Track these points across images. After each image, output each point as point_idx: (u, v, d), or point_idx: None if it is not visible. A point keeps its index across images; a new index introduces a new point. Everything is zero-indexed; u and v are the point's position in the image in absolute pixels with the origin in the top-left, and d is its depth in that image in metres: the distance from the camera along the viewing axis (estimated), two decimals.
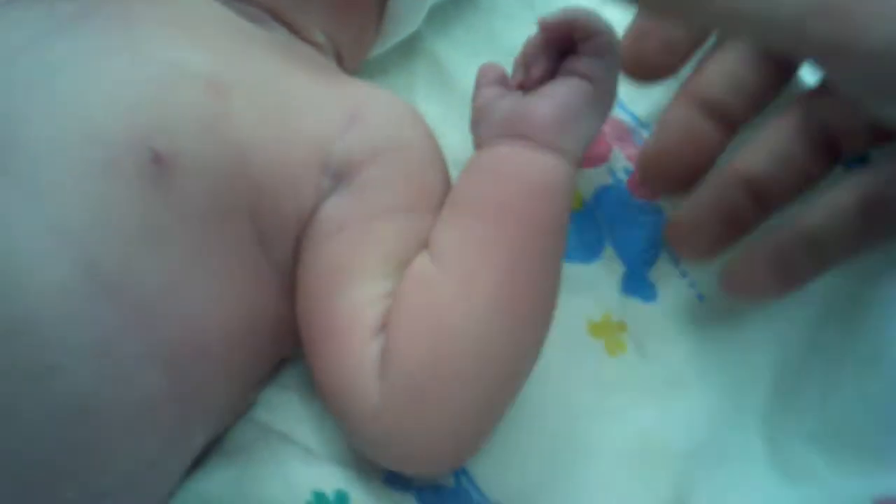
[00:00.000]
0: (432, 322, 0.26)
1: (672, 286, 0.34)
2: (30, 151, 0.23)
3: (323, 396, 0.29)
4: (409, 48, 0.38)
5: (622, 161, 0.36)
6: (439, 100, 0.37)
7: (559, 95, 0.29)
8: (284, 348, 0.30)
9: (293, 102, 0.28)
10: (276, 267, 0.28)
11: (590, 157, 0.35)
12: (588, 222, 0.35)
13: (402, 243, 0.28)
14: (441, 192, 0.30)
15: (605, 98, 0.30)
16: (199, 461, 0.29)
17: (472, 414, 0.27)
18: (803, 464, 0.30)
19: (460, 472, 0.30)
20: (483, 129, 0.30)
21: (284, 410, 0.30)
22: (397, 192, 0.29)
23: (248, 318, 0.27)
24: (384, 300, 0.27)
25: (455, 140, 0.33)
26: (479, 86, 0.31)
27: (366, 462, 0.29)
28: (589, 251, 0.34)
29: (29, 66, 0.25)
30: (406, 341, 0.26)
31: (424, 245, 0.28)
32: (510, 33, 0.35)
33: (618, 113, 0.36)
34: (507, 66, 0.32)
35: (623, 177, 0.35)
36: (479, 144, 0.30)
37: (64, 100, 0.24)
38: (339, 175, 0.28)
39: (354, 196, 0.28)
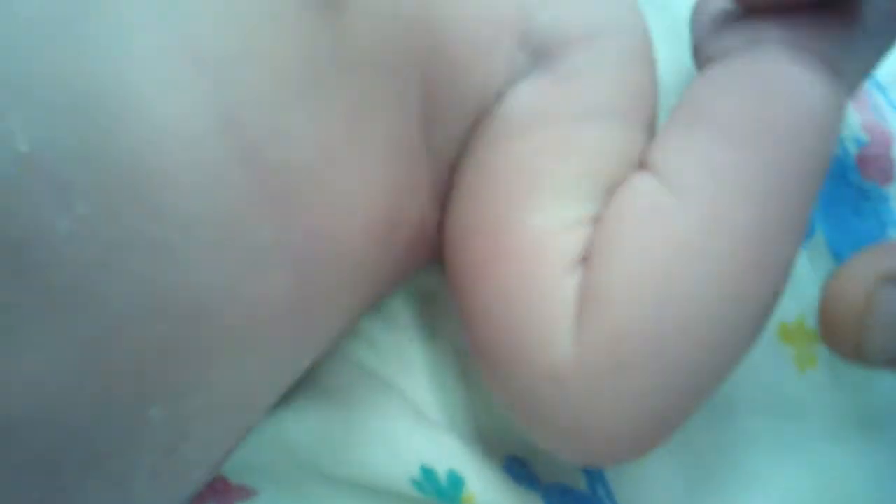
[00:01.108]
0: (665, 265, 0.19)
1: None
2: None
3: (478, 334, 0.21)
4: None
5: (855, 129, 0.28)
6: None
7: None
8: (415, 263, 0.24)
9: None
10: (435, 156, 0.22)
11: None
12: None
13: (611, 157, 0.21)
14: (653, 102, 0.23)
15: (889, 23, 0.22)
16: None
17: (682, 395, 0.20)
18: None
19: (596, 478, 0.24)
20: (720, 38, 0.23)
21: (395, 354, 0.24)
22: (610, 90, 0.22)
23: (390, 215, 0.21)
24: (585, 226, 0.21)
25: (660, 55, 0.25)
26: None
27: (489, 442, 0.23)
28: None
29: None
30: (624, 287, 0.20)
31: (633, 165, 0.22)
32: None
33: None
34: None
35: (853, 149, 0.28)
36: (715, 53, 0.23)
37: None
38: (539, 53, 0.22)
39: (557, 85, 0.22)
